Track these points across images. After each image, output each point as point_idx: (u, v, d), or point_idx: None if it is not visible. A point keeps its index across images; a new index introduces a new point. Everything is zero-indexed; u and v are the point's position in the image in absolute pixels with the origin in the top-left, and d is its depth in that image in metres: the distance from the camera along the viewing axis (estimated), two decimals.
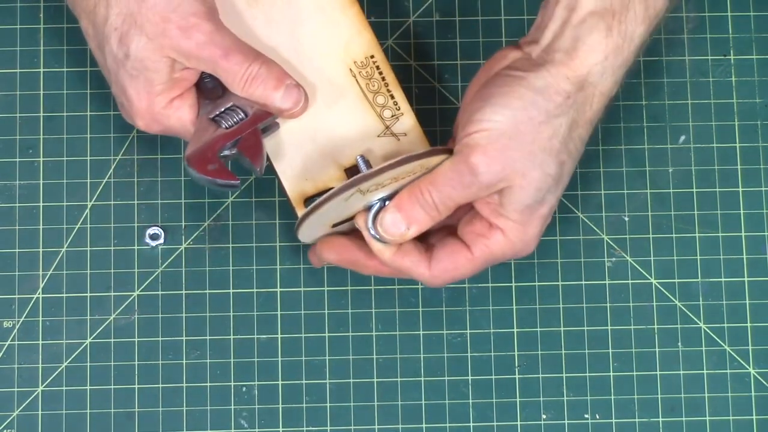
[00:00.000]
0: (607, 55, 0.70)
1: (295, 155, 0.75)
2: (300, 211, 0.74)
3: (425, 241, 0.74)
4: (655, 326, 0.80)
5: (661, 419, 0.80)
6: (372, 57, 0.75)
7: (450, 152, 0.71)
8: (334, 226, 0.75)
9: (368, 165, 0.73)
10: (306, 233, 0.75)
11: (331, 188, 0.71)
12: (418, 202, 0.72)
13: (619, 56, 0.70)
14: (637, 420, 0.80)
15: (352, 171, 0.74)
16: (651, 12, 0.70)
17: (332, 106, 0.75)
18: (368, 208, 0.73)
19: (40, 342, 0.79)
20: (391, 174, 0.71)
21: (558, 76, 0.70)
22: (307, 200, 0.75)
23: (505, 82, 0.70)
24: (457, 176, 0.71)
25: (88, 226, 0.80)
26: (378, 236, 0.73)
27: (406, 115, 0.75)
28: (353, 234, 0.75)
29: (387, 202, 0.73)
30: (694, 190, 0.82)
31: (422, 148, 0.74)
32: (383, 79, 0.75)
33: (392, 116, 0.75)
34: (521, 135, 0.70)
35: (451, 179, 0.71)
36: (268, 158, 0.74)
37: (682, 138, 0.82)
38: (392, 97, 0.75)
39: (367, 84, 0.75)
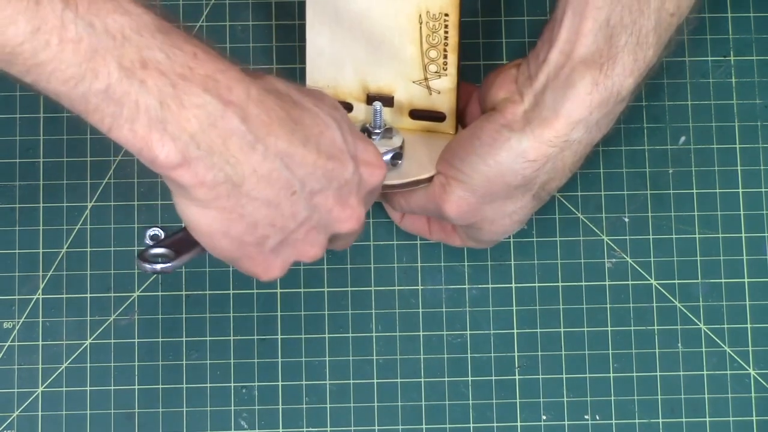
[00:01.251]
0: (591, 111, 0.68)
1: (328, 57, 0.75)
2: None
3: None
4: (655, 327, 0.80)
5: (661, 420, 0.80)
6: (446, 16, 0.74)
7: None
8: None
9: (380, 113, 0.75)
10: None
11: (349, 104, 0.76)
12: (388, 202, 0.76)
13: (604, 109, 0.68)
14: (637, 421, 0.80)
15: (372, 99, 0.75)
16: (640, 64, 0.68)
17: (386, 36, 0.75)
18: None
19: (40, 343, 0.79)
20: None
21: (541, 139, 0.69)
22: None
23: (491, 139, 0.70)
24: (429, 207, 0.73)
25: (88, 226, 0.80)
26: None
27: (449, 77, 0.75)
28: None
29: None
30: (694, 191, 0.82)
31: (448, 110, 0.76)
32: (446, 38, 0.75)
33: (435, 72, 0.75)
34: (495, 194, 0.71)
35: (424, 208, 0.74)
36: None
37: (682, 139, 0.82)
38: (445, 57, 0.75)
39: (428, 35, 0.74)
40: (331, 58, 0.76)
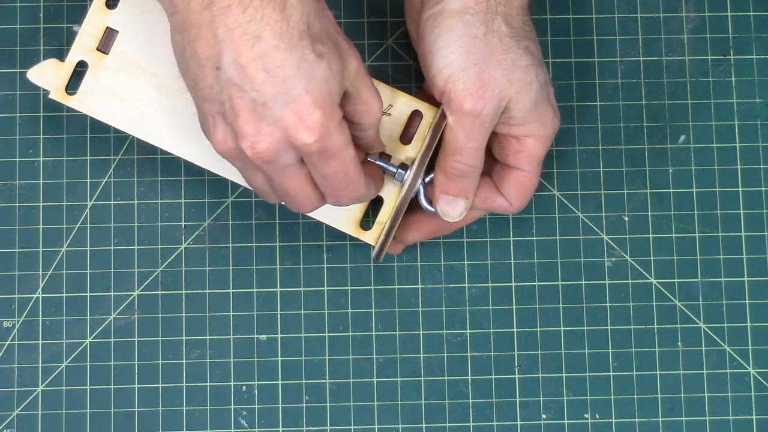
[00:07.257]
0: None
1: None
2: (362, 236, 0.76)
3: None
4: (655, 326, 0.80)
5: (660, 419, 0.80)
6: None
7: (437, 105, 0.74)
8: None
9: (387, 160, 0.75)
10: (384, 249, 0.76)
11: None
12: (458, 176, 0.74)
13: None
14: (636, 420, 0.80)
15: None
16: None
17: None
18: (414, 193, 0.75)
19: (40, 342, 0.79)
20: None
21: None
22: (361, 221, 0.77)
23: (432, 26, 0.72)
24: (468, 130, 0.72)
25: (88, 225, 0.80)
26: (440, 211, 0.75)
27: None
28: (413, 208, 0.77)
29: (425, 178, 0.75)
30: (694, 189, 0.82)
31: (413, 103, 0.76)
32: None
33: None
34: (479, 55, 0.71)
35: (466, 136, 0.72)
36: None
37: (682, 138, 0.82)
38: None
39: None
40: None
